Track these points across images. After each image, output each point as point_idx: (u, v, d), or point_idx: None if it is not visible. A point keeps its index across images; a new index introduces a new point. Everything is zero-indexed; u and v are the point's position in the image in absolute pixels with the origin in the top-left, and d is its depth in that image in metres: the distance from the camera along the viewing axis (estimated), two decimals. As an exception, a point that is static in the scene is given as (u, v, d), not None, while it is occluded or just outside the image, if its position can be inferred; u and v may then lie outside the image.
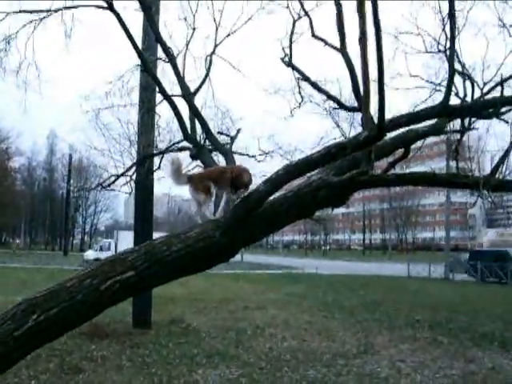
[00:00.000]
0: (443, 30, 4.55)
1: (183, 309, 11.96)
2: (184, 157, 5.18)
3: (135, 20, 7.04)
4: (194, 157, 5.28)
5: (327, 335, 9.24)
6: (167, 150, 6.28)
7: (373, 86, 2.94)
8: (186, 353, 7.43)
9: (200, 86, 5.83)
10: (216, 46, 6.35)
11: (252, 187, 3.42)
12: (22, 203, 67.26)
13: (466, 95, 4.44)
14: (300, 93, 5.99)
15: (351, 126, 6.44)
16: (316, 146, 6.56)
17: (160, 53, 6.43)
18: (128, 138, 10.12)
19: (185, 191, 3.76)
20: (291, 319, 10.99)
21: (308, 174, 3.47)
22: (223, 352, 7.58)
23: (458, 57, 4.41)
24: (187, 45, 6.27)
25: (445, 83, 4.33)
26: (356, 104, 4.44)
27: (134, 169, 7.41)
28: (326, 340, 8.80)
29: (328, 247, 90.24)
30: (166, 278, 3.41)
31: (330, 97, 5.32)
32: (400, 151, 4.06)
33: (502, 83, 4.31)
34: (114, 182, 7.30)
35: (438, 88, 5.12)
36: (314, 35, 5.23)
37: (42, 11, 5.22)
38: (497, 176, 3.61)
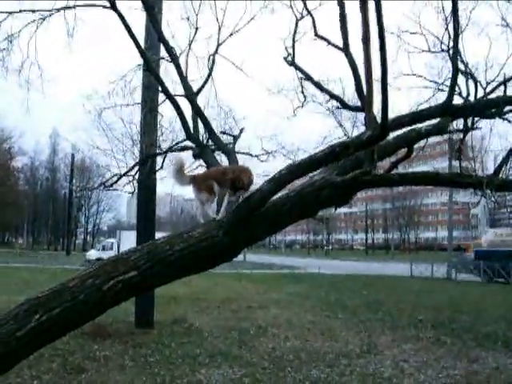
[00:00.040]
0: (446, 29, 4.55)
1: (186, 308, 11.96)
2: (187, 156, 5.19)
3: (138, 19, 7.06)
4: (196, 156, 5.29)
5: (330, 335, 9.23)
6: (170, 150, 6.28)
7: (376, 86, 2.92)
8: (188, 353, 7.44)
9: (203, 86, 5.82)
10: (219, 45, 6.33)
11: (254, 187, 3.42)
12: (25, 203, 67.48)
13: (469, 95, 4.44)
14: (303, 92, 5.99)
15: (354, 126, 6.45)
16: (319, 145, 6.56)
17: (163, 52, 6.41)
18: (130, 137, 10.10)
19: (187, 191, 3.77)
20: (294, 319, 10.98)
21: (311, 174, 3.46)
22: (226, 352, 7.58)
23: (461, 56, 4.39)
24: (190, 44, 6.26)
25: (448, 83, 4.32)
26: (359, 103, 4.43)
27: (136, 168, 7.41)
28: (328, 340, 8.80)
29: (330, 247, 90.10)
30: (168, 277, 3.41)
31: (332, 96, 5.32)
32: (403, 151, 4.06)
33: (504, 83, 4.32)
34: (116, 181, 7.30)
35: (440, 87, 5.12)
36: (316, 35, 5.23)
37: (44, 10, 5.22)
38: (500, 176, 3.60)
